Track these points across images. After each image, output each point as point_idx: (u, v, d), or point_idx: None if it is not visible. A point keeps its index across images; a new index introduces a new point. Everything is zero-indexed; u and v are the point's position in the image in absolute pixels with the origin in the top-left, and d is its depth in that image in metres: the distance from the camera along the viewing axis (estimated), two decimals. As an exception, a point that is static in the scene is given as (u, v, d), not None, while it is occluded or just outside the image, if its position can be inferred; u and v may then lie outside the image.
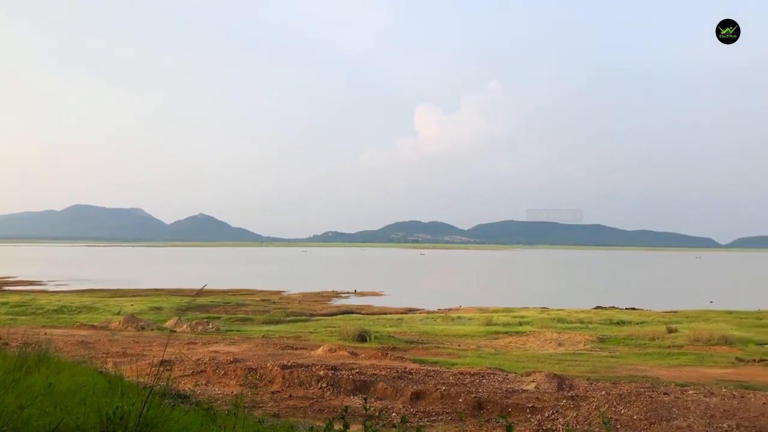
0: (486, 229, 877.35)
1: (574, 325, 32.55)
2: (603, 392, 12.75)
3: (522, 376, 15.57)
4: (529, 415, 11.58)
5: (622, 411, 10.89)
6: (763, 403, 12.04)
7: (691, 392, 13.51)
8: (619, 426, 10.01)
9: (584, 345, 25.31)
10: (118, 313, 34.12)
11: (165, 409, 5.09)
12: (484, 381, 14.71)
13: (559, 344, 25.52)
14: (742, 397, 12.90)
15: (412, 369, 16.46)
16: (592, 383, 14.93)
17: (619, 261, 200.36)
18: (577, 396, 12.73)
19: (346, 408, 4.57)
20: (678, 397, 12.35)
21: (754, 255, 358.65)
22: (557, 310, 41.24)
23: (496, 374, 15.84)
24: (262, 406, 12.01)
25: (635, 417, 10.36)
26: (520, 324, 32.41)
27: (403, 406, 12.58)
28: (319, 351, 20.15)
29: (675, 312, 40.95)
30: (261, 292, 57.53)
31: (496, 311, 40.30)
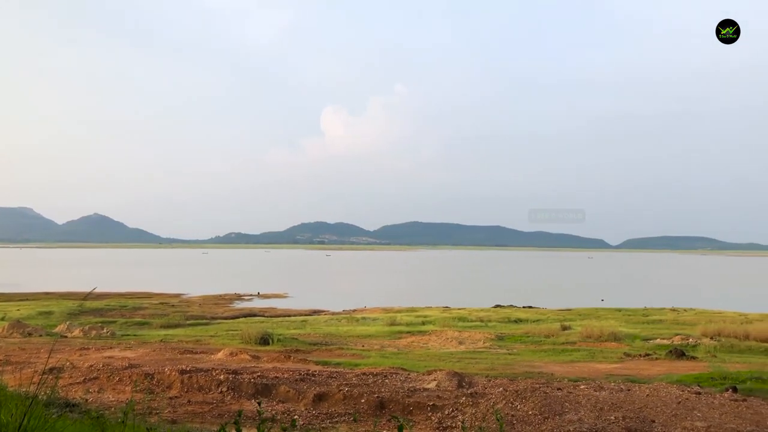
0: (392, 230, 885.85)
1: (474, 323, 33.38)
2: (500, 389, 13.10)
3: (423, 375, 15.77)
4: (430, 413, 11.73)
5: (518, 406, 11.23)
6: (647, 395, 12.74)
7: (582, 387, 14.12)
8: (515, 421, 10.31)
9: (483, 343, 26.01)
10: (2, 319, 31.99)
11: (49, 420, 4.79)
12: (387, 381, 14.79)
13: (460, 343, 26.10)
14: (629, 390, 13.61)
15: (316, 371, 16.34)
16: (490, 380, 15.33)
17: (518, 261, 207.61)
18: (476, 393, 13.03)
19: (239, 413, 4.44)
20: (570, 392, 12.87)
21: (640, 255, 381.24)
22: (459, 309, 42.21)
23: (398, 374, 15.97)
24: (159, 413, 11.56)
25: (530, 412, 10.71)
26: (423, 323, 32.92)
27: (306, 409, 12.45)
28: (220, 355, 19.66)
29: (569, 310, 42.82)
30: (159, 294, 55.66)
31: (400, 311, 40.77)
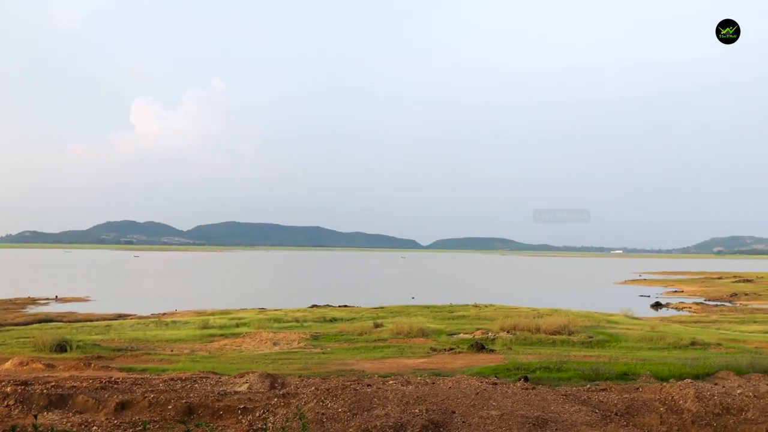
0: (207, 230, 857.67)
1: (290, 324, 33.34)
2: (313, 388, 13.19)
3: (235, 377, 15.47)
4: (241, 416, 11.53)
5: (329, 404, 11.38)
6: (449, 387, 13.52)
7: (391, 382, 14.66)
8: (324, 419, 10.44)
9: (298, 343, 26.08)
10: None
11: None
12: (196, 385, 14.30)
13: (275, 344, 25.95)
14: (433, 383, 14.35)
15: (119, 378, 15.39)
16: (303, 380, 15.41)
17: (335, 261, 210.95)
18: (288, 393, 13.04)
19: (14, 427, 4.04)
20: (380, 388, 13.29)
21: (449, 255, 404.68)
22: (275, 310, 41.94)
23: (209, 378, 15.51)
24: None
25: (340, 410, 10.91)
26: (237, 326, 32.27)
27: (107, 419, 11.66)
28: (7, 365, 17.86)
29: (382, 308, 44.23)
30: (-65, 300, 49.30)
31: (213, 314, 39.61)
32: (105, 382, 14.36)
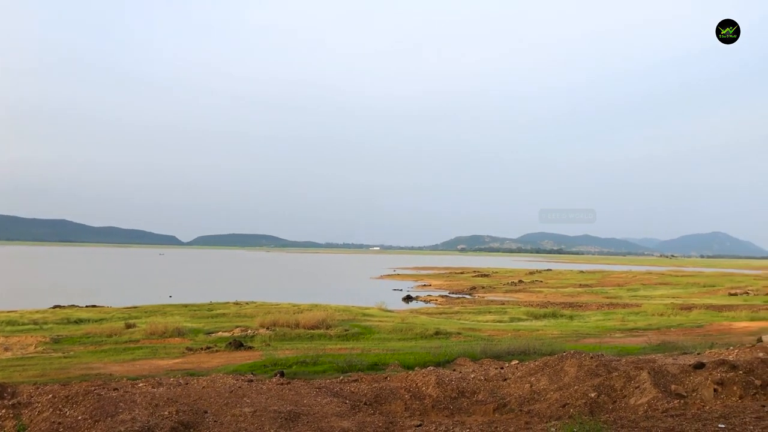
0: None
1: (27, 326, 30.05)
2: (50, 395, 12.04)
3: (-47, 389, 13.57)
4: (-42, 434, 10.16)
5: (68, 412, 10.48)
6: (203, 387, 13.21)
7: (141, 385, 13.93)
8: (61, 429, 9.59)
9: (36, 348, 23.62)
10: None
11: None
12: None
13: (6, 349, 23.22)
14: (187, 383, 13.91)
15: None
16: (39, 387, 14.01)
17: (84, 258, 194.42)
18: (20, 403, 11.73)
19: None
20: (128, 391, 12.55)
21: (211, 251, 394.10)
22: (8, 312, 37.46)
23: None
24: None
25: (80, 417, 10.09)
26: (-42, 331, 28.31)
27: None
28: None
29: (136, 307, 41.73)
30: None
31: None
32: None
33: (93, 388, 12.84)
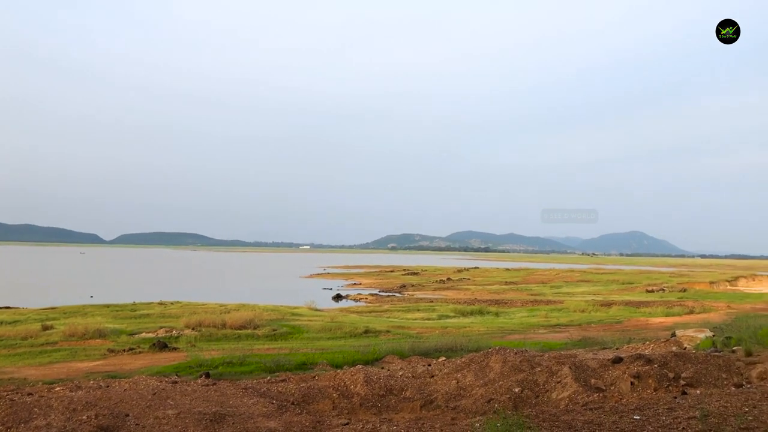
0: None
1: (-69, 330, 28.39)
2: (-43, 403, 11.44)
3: None
4: None
5: (-23, 420, 9.97)
6: (125, 389, 12.80)
7: (58, 389, 13.38)
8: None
9: (-58, 352, 22.35)
10: None
11: None
12: None
13: None
14: (107, 386, 13.44)
15: None
16: (-55, 395, 13.25)
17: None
18: (-76, 412, 11.09)
19: None
20: (43, 396, 12.03)
21: (135, 250, 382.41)
22: None
23: None
24: None
25: (-10, 425, 9.62)
26: None
27: None
28: None
29: (54, 308, 40.06)
30: None
31: None
32: None
33: (5, 393, 12.25)
